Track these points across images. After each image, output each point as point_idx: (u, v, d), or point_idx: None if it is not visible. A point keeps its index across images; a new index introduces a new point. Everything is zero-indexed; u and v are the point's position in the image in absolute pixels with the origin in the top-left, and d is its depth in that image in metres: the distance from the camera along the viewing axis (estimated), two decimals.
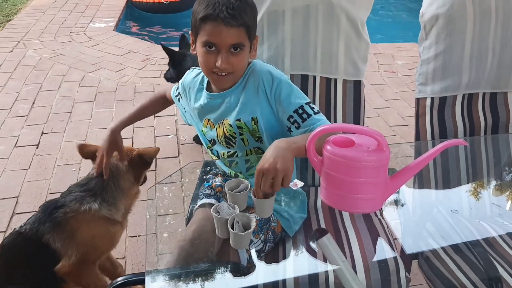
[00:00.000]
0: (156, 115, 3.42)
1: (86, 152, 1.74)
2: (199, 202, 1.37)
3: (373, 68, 4.29)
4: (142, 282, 1.20)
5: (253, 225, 1.04)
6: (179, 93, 1.56)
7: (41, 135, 3.13)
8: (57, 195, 2.49)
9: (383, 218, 1.53)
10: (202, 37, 1.25)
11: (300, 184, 1.28)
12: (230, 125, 1.37)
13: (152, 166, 2.80)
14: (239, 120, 1.36)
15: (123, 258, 2.16)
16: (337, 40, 1.73)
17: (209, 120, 1.43)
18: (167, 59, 4.40)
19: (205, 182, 1.47)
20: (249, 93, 1.35)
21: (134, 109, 1.64)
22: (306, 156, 1.16)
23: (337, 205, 1.18)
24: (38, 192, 2.57)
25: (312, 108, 1.31)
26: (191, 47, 1.36)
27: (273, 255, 1.39)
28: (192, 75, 1.50)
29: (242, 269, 1.21)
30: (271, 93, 1.33)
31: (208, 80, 1.43)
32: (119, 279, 1.19)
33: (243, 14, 1.23)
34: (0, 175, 2.70)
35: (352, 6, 1.70)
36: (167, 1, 5.86)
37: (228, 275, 1.16)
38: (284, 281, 1.25)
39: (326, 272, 1.30)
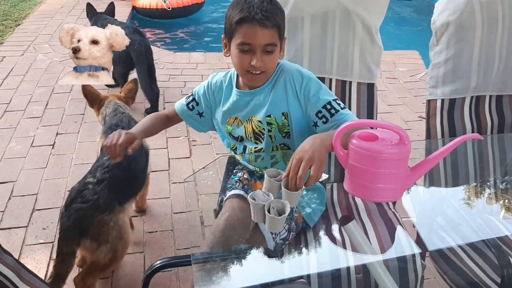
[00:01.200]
0: None
1: (87, 90, 2.25)
2: (229, 193, 1.46)
3: None
4: (177, 265, 1.30)
5: (287, 210, 1.14)
6: (193, 99, 1.62)
7: (56, 135, 3.21)
8: None
9: (396, 211, 1.63)
10: (237, 39, 1.35)
11: (325, 176, 1.38)
12: (260, 121, 1.47)
13: (166, 166, 2.91)
14: (269, 116, 1.45)
15: (141, 252, 2.25)
16: (352, 45, 1.84)
17: (236, 118, 1.52)
18: (175, 64, 4.53)
19: (233, 176, 1.56)
20: (279, 90, 1.45)
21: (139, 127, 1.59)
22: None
23: (360, 194, 1.28)
24: (56, 190, 2.65)
25: (339, 104, 1.41)
26: (223, 51, 1.46)
27: (295, 243, 1.48)
28: (219, 76, 1.58)
29: (272, 254, 1.31)
30: (300, 90, 1.43)
31: (236, 79, 1.52)
32: (157, 262, 1.28)
33: (275, 16, 1.33)
34: (19, 173, 2.79)
35: (367, 13, 1.81)
36: (169, 8, 5.97)
37: (263, 257, 1.26)
38: (308, 274, 1.34)
39: (347, 259, 1.40)
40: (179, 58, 4.70)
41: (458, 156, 1.74)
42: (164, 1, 5.97)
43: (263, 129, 1.47)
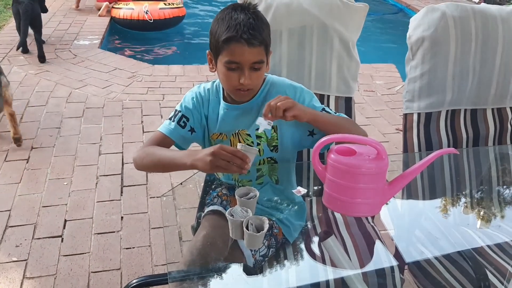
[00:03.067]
0: (145, 130, 3.48)
1: None
2: (207, 209, 1.44)
3: None
4: (154, 284, 1.27)
5: (266, 226, 1.13)
6: (182, 116, 1.47)
7: (31, 149, 3.15)
8: (50, 208, 2.56)
9: (375, 225, 1.63)
10: (224, 57, 1.33)
11: (303, 191, 1.38)
12: (248, 134, 1.46)
13: (143, 180, 2.87)
14: (258, 129, 1.45)
15: (118, 269, 2.20)
16: (330, 59, 1.85)
17: (220, 134, 1.49)
18: (153, 76, 4.51)
19: (211, 191, 1.54)
20: None
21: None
22: (315, 125, 1.39)
23: (339, 209, 1.28)
24: (30, 206, 2.59)
25: (331, 109, 1.48)
26: (209, 66, 1.44)
27: (275, 260, 1.47)
28: (204, 88, 1.52)
29: (251, 271, 1.29)
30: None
31: (222, 91, 1.50)
32: (134, 281, 1.25)
33: (262, 32, 1.32)
34: None
35: (344, 28, 1.82)
36: (151, 20, 5.96)
37: (242, 274, 1.25)
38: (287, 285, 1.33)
39: (326, 274, 1.39)
40: (157, 70, 4.67)
41: (435, 169, 1.76)
42: (146, 12, 5.95)
43: (252, 142, 1.46)
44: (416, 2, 8.10)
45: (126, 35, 6.30)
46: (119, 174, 2.94)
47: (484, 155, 1.93)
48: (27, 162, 3.00)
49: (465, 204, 1.74)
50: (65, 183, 2.81)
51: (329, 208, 1.25)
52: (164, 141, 1.45)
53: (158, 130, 1.48)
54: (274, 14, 1.80)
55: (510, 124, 1.87)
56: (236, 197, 1.24)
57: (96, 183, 2.84)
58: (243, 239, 1.14)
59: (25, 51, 4.91)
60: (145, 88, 4.24)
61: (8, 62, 4.64)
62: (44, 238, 2.37)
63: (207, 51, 1.43)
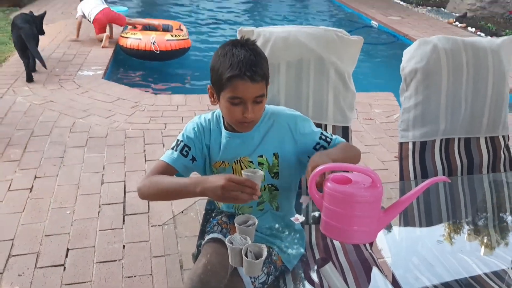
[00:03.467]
0: (147, 159, 3.53)
1: None
2: (207, 237, 1.47)
3: None
4: None
5: (265, 254, 1.16)
6: (184, 146, 1.51)
7: (34, 179, 3.19)
8: (53, 237, 2.58)
9: (373, 252, 1.66)
10: (228, 93, 1.37)
11: (301, 218, 1.41)
12: (251, 161, 1.51)
13: (145, 209, 2.90)
14: (261, 156, 1.50)
15: None
16: (326, 90, 1.92)
17: (223, 162, 1.53)
18: (155, 106, 4.58)
19: (211, 219, 1.58)
20: (272, 132, 1.52)
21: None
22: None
23: (336, 236, 1.32)
24: (33, 235, 2.62)
25: (328, 132, 1.56)
26: (210, 99, 1.49)
27: (274, 287, 1.49)
28: (205, 118, 1.56)
29: None
30: (296, 131, 1.52)
31: (223, 120, 1.54)
32: None
33: (262, 67, 1.38)
34: None
35: (340, 61, 1.89)
36: (158, 50, 6.08)
37: None
38: None
39: None
40: (159, 100, 4.75)
41: (431, 197, 1.79)
42: (153, 43, 6.07)
43: (255, 168, 1.50)
44: (414, 32, 8.25)
45: (130, 66, 6.42)
46: (121, 202, 2.97)
47: (478, 183, 1.97)
48: (30, 191, 3.04)
49: (461, 231, 1.77)
50: (68, 212, 2.84)
51: (327, 235, 1.29)
52: (167, 170, 1.49)
53: (161, 160, 1.51)
54: (272, 47, 1.87)
55: (503, 152, 1.92)
56: (236, 225, 1.27)
57: (99, 211, 2.87)
58: (242, 266, 1.17)
59: (30, 80, 5.04)
60: (148, 117, 4.31)
61: (13, 92, 4.72)
62: (46, 267, 2.39)
63: (208, 86, 1.47)
